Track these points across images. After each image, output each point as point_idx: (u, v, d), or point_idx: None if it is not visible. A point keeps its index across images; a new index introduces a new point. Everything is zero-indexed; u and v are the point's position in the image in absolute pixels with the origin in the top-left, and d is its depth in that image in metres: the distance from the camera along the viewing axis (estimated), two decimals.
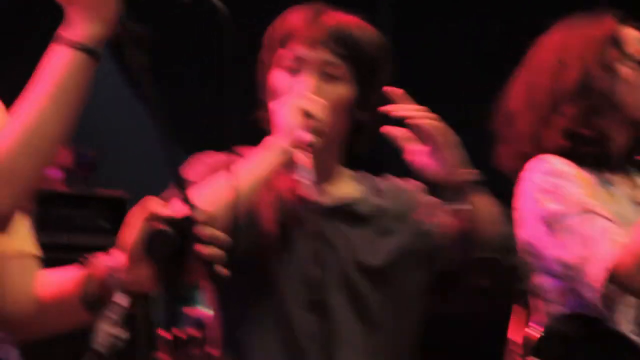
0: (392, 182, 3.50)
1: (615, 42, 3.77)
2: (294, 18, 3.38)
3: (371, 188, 3.46)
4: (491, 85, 3.92)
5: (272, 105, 3.31)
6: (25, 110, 2.46)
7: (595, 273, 3.41)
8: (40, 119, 2.44)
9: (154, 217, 2.52)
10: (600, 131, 3.70)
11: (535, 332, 3.69)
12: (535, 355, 3.66)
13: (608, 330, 3.57)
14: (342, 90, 3.33)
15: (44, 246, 2.79)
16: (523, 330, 3.76)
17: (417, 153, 3.29)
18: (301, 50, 3.34)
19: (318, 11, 3.38)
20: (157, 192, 2.68)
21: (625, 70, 3.73)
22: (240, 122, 2.67)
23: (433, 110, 3.29)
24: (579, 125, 3.70)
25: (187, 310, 5.84)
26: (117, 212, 5.91)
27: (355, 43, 3.34)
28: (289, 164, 3.23)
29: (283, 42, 3.36)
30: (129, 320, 2.55)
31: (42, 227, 2.80)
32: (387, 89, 3.31)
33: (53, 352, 5.13)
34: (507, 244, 3.33)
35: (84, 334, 2.68)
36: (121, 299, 2.55)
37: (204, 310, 4.44)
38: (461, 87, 7.41)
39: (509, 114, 3.81)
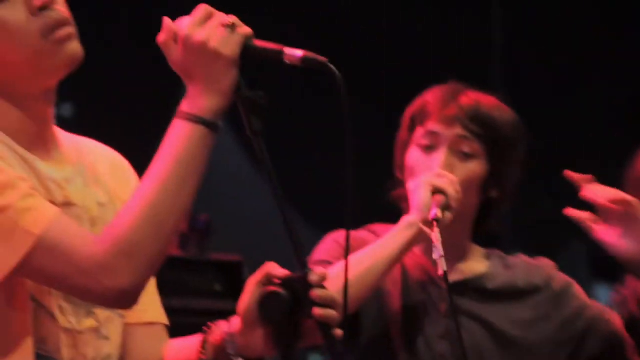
0: (523, 260, 3.49)
1: None
2: (431, 96, 3.40)
3: (501, 265, 3.46)
4: (618, 152, 3.90)
5: (408, 184, 3.33)
6: (147, 184, 2.49)
7: None
8: (162, 193, 2.48)
9: (268, 280, 2.54)
10: None
11: None
12: None
13: None
14: (475, 167, 3.36)
15: None
16: None
17: (606, 233, 3.26)
18: (436, 126, 3.36)
19: (455, 90, 3.41)
20: (272, 256, 2.69)
21: None
22: (357, 190, 2.67)
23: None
24: None
25: None
26: (231, 276, 5.93)
27: (490, 121, 3.37)
28: (420, 241, 3.26)
29: (420, 120, 3.39)
30: None
31: (158, 291, 2.83)
32: (570, 174, 3.29)
33: None
34: None
35: None
36: None
37: None
38: (594, 154, 7.38)
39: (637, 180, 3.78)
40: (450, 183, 3.25)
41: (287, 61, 2.50)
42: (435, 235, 3.18)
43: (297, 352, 2.62)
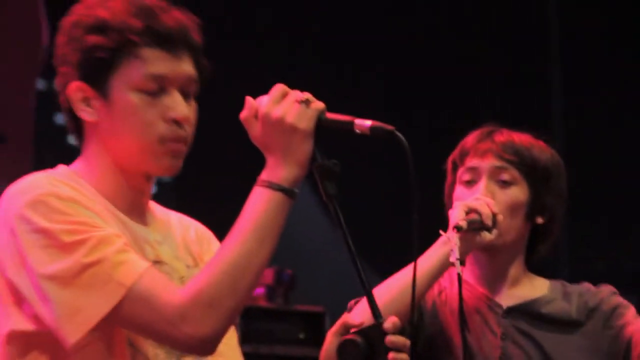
0: (584, 287, 3.47)
1: None
2: (469, 138, 3.46)
3: (561, 292, 3.45)
4: None
5: (449, 213, 3.33)
6: (228, 244, 2.55)
7: None
8: (241, 252, 2.54)
9: (346, 329, 2.62)
10: None
11: None
12: None
13: None
14: (516, 193, 3.38)
15: (248, 356, 2.87)
16: None
17: None
18: (473, 161, 3.41)
19: (490, 130, 3.45)
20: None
21: None
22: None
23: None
24: None
25: None
26: (314, 325, 5.94)
27: (524, 150, 3.41)
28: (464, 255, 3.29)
29: (460, 161, 3.44)
30: None
31: (246, 339, 2.92)
32: None
33: None
34: None
35: None
36: None
37: None
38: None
39: None
40: (484, 203, 3.27)
41: (357, 131, 2.54)
42: (453, 239, 3.19)
43: None
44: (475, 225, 3.24)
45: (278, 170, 2.57)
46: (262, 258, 2.57)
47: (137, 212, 2.73)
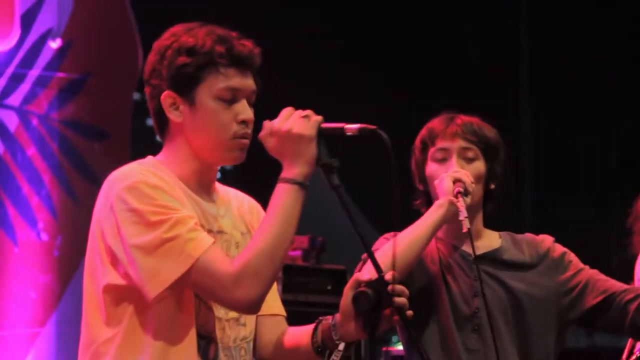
0: (528, 236, 3.45)
1: None
2: (435, 123, 3.39)
3: (511, 241, 3.42)
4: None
5: (435, 182, 3.30)
6: (264, 226, 2.61)
7: None
8: (274, 232, 2.59)
9: (358, 284, 2.62)
10: None
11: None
12: None
13: None
14: (479, 166, 3.35)
15: (289, 303, 2.97)
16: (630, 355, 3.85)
17: None
18: (444, 143, 3.35)
19: (452, 115, 3.40)
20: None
21: None
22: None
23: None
24: None
25: (385, 348, 5.93)
26: (339, 279, 5.94)
27: (479, 131, 3.37)
28: (448, 219, 3.25)
29: (430, 141, 3.36)
30: (345, 357, 2.68)
31: (286, 290, 2.93)
32: None
33: None
34: None
35: None
36: (340, 346, 2.67)
37: (396, 347, 4.46)
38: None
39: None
40: (465, 174, 3.26)
41: (348, 133, 2.61)
42: (461, 203, 3.20)
43: (381, 334, 2.65)
44: (463, 192, 3.24)
45: (292, 169, 2.61)
46: (289, 235, 2.60)
47: (206, 192, 2.74)
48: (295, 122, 2.61)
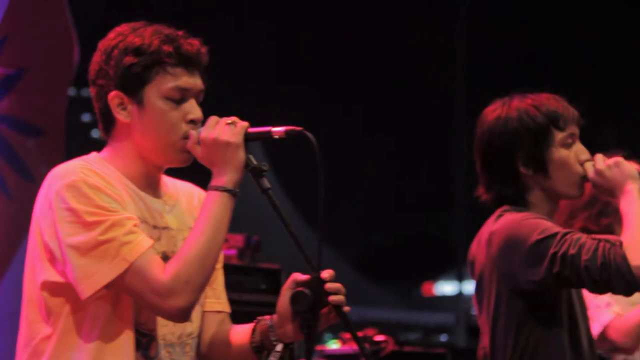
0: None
1: None
2: (556, 106, 3.12)
3: None
4: None
5: (596, 166, 3.07)
6: (194, 234, 2.61)
7: None
8: (205, 240, 2.60)
9: (295, 284, 2.65)
10: None
11: None
12: None
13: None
14: None
15: None
16: None
17: None
18: (574, 128, 3.13)
19: (561, 98, 3.16)
20: (301, 264, 2.69)
21: None
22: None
23: None
24: None
25: (318, 347, 5.99)
26: (273, 279, 5.97)
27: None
28: None
29: (558, 126, 3.10)
30: (282, 358, 2.69)
31: None
32: None
33: None
34: None
35: None
36: (278, 347, 2.69)
37: (329, 346, 4.54)
38: None
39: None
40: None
41: (275, 136, 2.63)
42: None
43: (318, 334, 2.66)
44: None
45: (221, 177, 2.62)
46: (219, 242, 2.62)
47: (152, 188, 2.74)
48: (221, 130, 2.62)
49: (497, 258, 3.03)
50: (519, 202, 3.12)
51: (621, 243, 2.89)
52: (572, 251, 2.90)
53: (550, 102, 3.11)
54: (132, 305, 2.64)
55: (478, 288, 3.11)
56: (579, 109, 3.16)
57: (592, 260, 2.87)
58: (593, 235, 2.96)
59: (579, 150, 3.13)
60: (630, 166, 3.06)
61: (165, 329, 2.70)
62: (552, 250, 2.92)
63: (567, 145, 3.11)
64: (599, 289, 2.93)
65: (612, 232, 3.92)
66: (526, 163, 3.09)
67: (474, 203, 3.17)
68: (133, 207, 2.66)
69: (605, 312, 3.95)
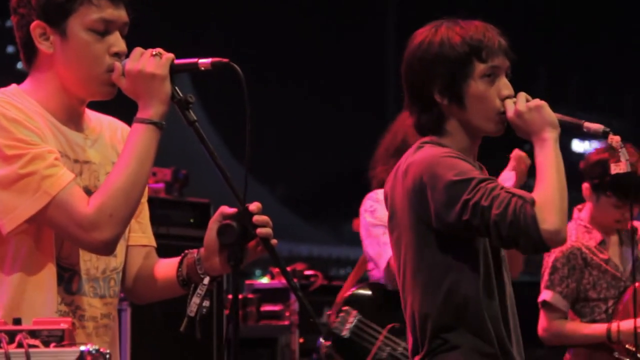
0: None
1: None
2: (481, 35, 2.99)
3: None
4: None
5: (517, 107, 2.94)
6: (119, 167, 2.60)
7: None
8: (130, 173, 2.58)
9: (222, 217, 2.64)
10: None
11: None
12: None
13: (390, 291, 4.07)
14: None
15: None
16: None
17: None
18: (499, 61, 2.98)
19: (490, 26, 3.03)
20: (231, 199, 2.67)
21: None
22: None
23: None
24: None
25: (247, 281, 6.03)
26: (202, 213, 5.98)
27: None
28: None
29: (480, 57, 2.97)
30: (209, 290, 2.68)
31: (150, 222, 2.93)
32: None
33: (155, 310, 5.30)
34: None
35: (177, 300, 2.84)
36: (205, 280, 2.68)
37: (259, 280, 4.61)
38: None
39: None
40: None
41: (202, 68, 2.60)
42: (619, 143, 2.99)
43: (246, 268, 2.71)
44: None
45: (147, 109, 2.60)
46: (144, 175, 2.61)
47: (74, 122, 2.71)
48: (146, 61, 2.60)
49: (412, 191, 2.94)
50: (437, 130, 3.03)
51: (534, 201, 2.81)
52: (484, 202, 2.82)
53: (477, 31, 2.99)
54: (54, 239, 2.62)
55: (392, 220, 3.04)
56: (508, 42, 3.04)
57: (501, 215, 2.80)
58: (507, 188, 2.86)
59: (503, 85, 2.99)
60: (551, 113, 2.93)
61: (88, 263, 2.68)
62: (465, 197, 2.84)
63: (488, 78, 2.98)
64: (505, 245, 2.87)
65: None
66: (441, 91, 2.99)
67: None
68: (53, 140, 2.63)
69: (389, 248, 4.09)
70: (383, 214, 4.01)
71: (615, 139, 2.96)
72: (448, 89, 2.99)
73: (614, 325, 4.51)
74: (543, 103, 2.95)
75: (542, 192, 2.84)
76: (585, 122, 2.98)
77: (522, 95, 2.98)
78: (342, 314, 4.16)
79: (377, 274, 4.21)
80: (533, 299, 4.73)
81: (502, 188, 2.85)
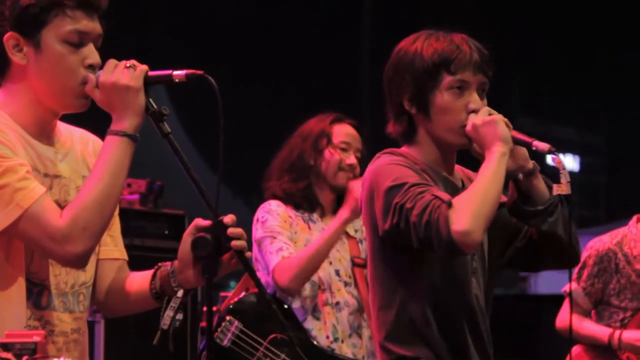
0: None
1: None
2: (451, 47, 3.00)
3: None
4: None
5: (474, 120, 2.95)
6: (93, 180, 2.57)
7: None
8: (103, 186, 2.56)
9: (197, 229, 2.62)
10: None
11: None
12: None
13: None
14: (486, 102, 3.05)
15: (125, 247, 2.88)
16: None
17: None
18: (467, 75, 2.99)
19: (464, 38, 3.04)
20: (204, 210, 2.66)
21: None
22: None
23: None
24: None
25: (222, 293, 5.99)
26: (177, 224, 5.97)
27: (491, 63, 3.05)
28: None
29: (449, 69, 2.98)
30: (183, 303, 2.68)
31: (124, 234, 2.89)
32: None
33: (128, 323, 5.28)
34: None
35: (150, 313, 2.80)
36: (179, 293, 2.67)
37: (231, 292, 4.62)
38: None
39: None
40: (504, 120, 2.96)
41: (176, 80, 2.59)
42: (562, 163, 2.96)
43: (218, 277, 2.62)
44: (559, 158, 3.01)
45: (121, 121, 2.59)
46: (118, 188, 2.59)
47: (46, 135, 2.68)
48: (120, 73, 2.58)
49: (365, 202, 2.99)
50: (408, 139, 3.06)
51: (451, 203, 2.81)
52: (408, 204, 2.84)
53: (452, 44, 2.99)
54: (24, 254, 2.60)
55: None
56: (486, 57, 3.04)
57: (419, 216, 2.81)
58: (435, 191, 2.86)
59: (472, 99, 2.98)
60: (504, 128, 2.92)
61: (58, 278, 2.66)
62: (395, 200, 2.86)
63: (457, 91, 2.97)
64: (422, 247, 2.85)
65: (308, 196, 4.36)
66: (410, 100, 3.01)
67: (379, 146, 3.16)
68: (24, 154, 2.61)
69: (274, 256, 4.23)
70: (273, 223, 4.26)
71: (556, 160, 2.98)
72: (416, 98, 3.01)
73: (617, 332, 4.54)
74: (498, 118, 2.95)
75: (464, 195, 2.86)
76: (534, 141, 2.97)
77: (485, 109, 2.99)
78: (224, 323, 4.19)
79: (266, 278, 4.26)
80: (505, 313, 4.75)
81: (429, 190, 2.86)
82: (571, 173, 3.07)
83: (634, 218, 4.72)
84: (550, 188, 3.01)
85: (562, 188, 2.98)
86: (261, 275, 4.26)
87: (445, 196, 2.83)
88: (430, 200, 2.82)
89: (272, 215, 4.31)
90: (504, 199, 3.06)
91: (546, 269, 3.22)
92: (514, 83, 19.10)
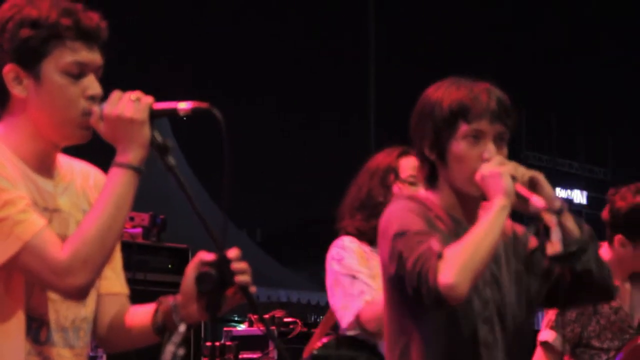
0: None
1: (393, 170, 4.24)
2: (468, 96, 3.04)
3: None
4: None
5: (482, 170, 2.97)
6: (95, 212, 2.55)
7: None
8: (106, 219, 2.53)
9: (201, 264, 2.58)
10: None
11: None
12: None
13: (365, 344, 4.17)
14: (506, 153, 3.08)
15: (128, 281, 2.86)
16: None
17: None
18: (483, 125, 3.02)
19: (485, 88, 3.05)
20: (209, 244, 2.63)
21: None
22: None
23: None
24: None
25: (225, 328, 5.99)
26: (180, 258, 5.97)
27: (513, 112, 3.08)
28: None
29: (466, 118, 3.01)
30: (185, 338, 2.64)
31: (126, 268, 2.87)
32: None
33: (129, 358, 5.26)
34: None
35: (152, 347, 2.76)
36: (181, 327, 2.64)
37: (237, 327, 4.60)
38: None
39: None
40: (515, 168, 2.98)
41: (181, 113, 2.57)
42: (554, 220, 2.97)
43: (222, 313, 2.61)
44: (557, 212, 3.01)
45: (126, 153, 2.57)
46: (121, 221, 2.57)
47: (46, 169, 2.67)
48: (125, 106, 2.56)
49: (380, 244, 3.05)
50: (431, 184, 3.13)
51: (441, 255, 2.84)
52: (405, 253, 2.89)
53: (470, 92, 3.03)
54: (24, 288, 2.58)
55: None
56: (505, 107, 3.05)
57: (412, 267, 2.86)
58: (431, 241, 2.88)
59: (487, 149, 3.02)
60: (509, 182, 2.93)
61: (57, 313, 2.64)
62: (399, 248, 2.92)
63: (472, 140, 3.01)
64: (416, 298, 2.86)
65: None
66: (430, 147, 3.07)
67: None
68: (24, 188, 2.59)
69: (357, 300, 4.17)
70: (351, 262, 4.18)
71: (548, 219, 2.99)
72: (435, 145, 3.07)
73: None
74: (504, 170, 2.97)
75: (455, 247, 2.88)
76: (532, 198, 2.96)
77: (496, 159, 3.01)
78: None
79: (343, 324, 4.23)
80: None
81: (427, 241, 2.89)
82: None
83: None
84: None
85: (555, 247, 2.98)
86: (335, 309, 4.22)
87: (437, 247, 2.86)
88: (424, 251, 2.87)
89: (348, 252, 4.27)
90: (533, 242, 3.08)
91: (581, 305, 3.25)
92: (521, 116, 19.17)
